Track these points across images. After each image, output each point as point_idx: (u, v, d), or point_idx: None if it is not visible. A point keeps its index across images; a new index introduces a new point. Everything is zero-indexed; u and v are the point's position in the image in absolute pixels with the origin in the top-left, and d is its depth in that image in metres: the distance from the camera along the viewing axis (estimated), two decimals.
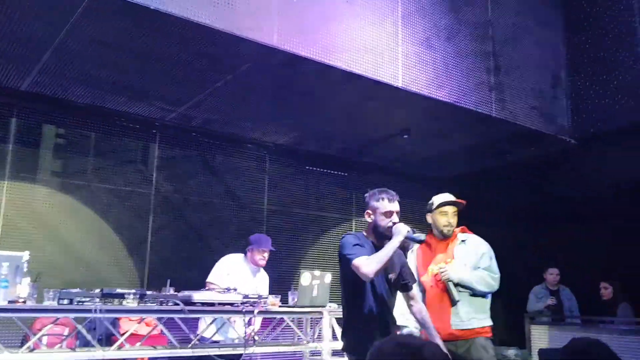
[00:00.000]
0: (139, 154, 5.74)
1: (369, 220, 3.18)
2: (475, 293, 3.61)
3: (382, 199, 3.11)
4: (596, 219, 6.57)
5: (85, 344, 3.89)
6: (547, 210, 6.91)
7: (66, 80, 4.74)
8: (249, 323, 4.25)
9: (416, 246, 3.91)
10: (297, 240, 6.57)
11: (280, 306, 4.52)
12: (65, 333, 4.41)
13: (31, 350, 3.46)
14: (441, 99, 5.12)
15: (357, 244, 3.03)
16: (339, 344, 4.86)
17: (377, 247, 3.05)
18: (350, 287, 3.10)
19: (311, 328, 5.15)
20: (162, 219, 5.72)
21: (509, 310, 6.98)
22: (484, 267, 3.66)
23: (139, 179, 5.66)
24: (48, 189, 5.21)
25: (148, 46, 4.12)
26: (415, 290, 3.29)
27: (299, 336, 5.03)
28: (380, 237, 3.10)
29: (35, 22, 3.78)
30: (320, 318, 4.85)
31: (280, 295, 4.61)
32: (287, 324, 4.78)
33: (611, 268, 6.47)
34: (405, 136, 6.10)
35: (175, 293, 4.03)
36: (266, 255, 5.04)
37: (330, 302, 4.83)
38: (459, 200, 3.83)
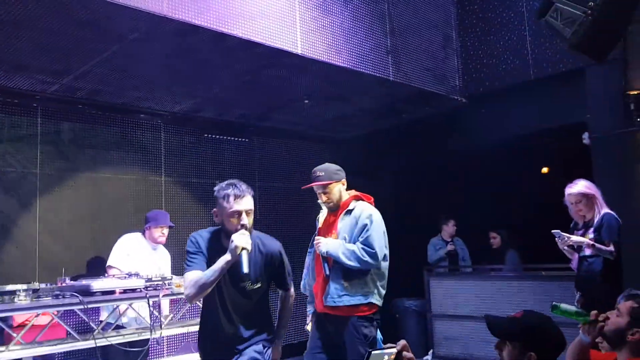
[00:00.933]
0: (19, 131, 5.22)
1: (216, 219, 2.77)
2: (349, 268, 3.44)
3: (228, 196, 2.66)
4: (485, 172, 6.97)
5: None
6: (441, 166, 7.22)
7: None
8: (157, 307, 4.13)
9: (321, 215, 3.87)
10: (198, 212, 6.40)
11: None
12: None
13: None
14: (340, 64, 5.09)
15: (192, 253, 2.71)
16: None
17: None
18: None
19: None
20: (50, 201, 5.31)
21: (409, 262, 7.33)
22: (361, 241, 3.46)
23: (21, 158, 5.19)
24: None
25: (22, 17, 3.69)
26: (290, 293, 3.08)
27: None
28: (228, 238, 2.67)
29: None
30: None
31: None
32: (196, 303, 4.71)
33: (499, 218, 6.95)
34: (306, 101, 6.05)
35: (72, 283, 3.80)
36: (165, 231, 4.89)
37: None
38: (316, 183, 3.58)
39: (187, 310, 4.59)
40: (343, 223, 3.58)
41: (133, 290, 3.81)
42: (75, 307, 3.64)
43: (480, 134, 6.65)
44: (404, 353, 1.71)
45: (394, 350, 1.70)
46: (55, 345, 3.65)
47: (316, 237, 3.65)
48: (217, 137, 6.81)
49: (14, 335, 3.56)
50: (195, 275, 2.63)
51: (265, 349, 2.90)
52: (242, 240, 2.58)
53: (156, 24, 3.95)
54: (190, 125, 6.50)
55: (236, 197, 2.65)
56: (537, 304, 5.07)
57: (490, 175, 6.89)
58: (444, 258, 6.88)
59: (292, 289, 3.11)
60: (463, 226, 7.10)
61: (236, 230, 2.63)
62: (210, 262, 2.68)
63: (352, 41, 5.22)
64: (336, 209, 3.66)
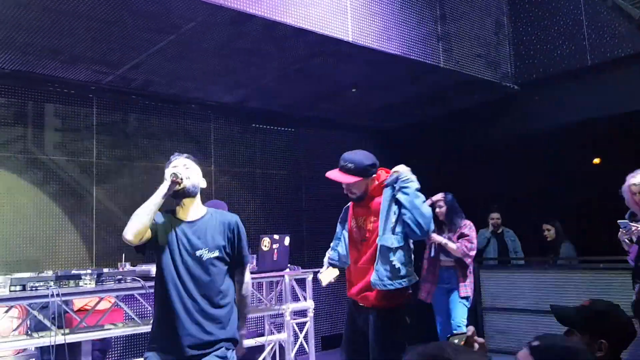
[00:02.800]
0: (76, 122, 5.37)
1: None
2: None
3: (170, 163, 2.83)
4: (537, 162, 6.80)
5: (38, 323, 3.73)
6: (491, 155, 7.07)
7: None
8: None
9: None
10: (246, 200, 6.47)
11: None
12: (16, 315, 4.20)
13: None
14: (391, 51, 5.04)
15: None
16: (301, 305, 4.93)
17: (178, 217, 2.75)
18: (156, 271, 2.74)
19: (270, 291, 5.16)
20: (107, 188, 5.45)
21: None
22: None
23: (79, 147, 5.33)
24: None
25: (80, 7, 3.78)
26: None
27: (259, 299, 5.03)
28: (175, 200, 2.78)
29: None
30: (280, 281, 4.86)
31: None
32: None
33: (552, 209, 6.77)
34: (354, 90, 6.01)
35: (133, 268, 3.89)
36: None
37: (289, 264, 4.84)
38: (332, 178, 3.25)
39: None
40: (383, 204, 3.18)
41: None
42: (136, 292, 3.73)
43: (533, 122, 6.48)
44: (475, 337, 1.72)
45: (464, 336, 1.71)
46: (119, 328, 3.74)
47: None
48: (264, 127, 6.85)
49: (78, 318, 3.67)
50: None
51: (229, 351, 2.68)
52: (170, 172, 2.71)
53: (211, 14, 3.99)
54: (238, 115, 6.56)
55: (171, 162, 2.83)
56: (595, 297, 4.93)
57: (542, 164, 6.73)
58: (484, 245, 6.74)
59: (249, 272, 2.90)
60: (514, 217, 6.95)
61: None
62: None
63: (402, 28, 5.16)
64: (361, 200, 3.28)
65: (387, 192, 3.18)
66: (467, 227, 5.07)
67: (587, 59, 5.71)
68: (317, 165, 7.21)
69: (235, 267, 2.80)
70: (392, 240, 3.08)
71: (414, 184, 3.12)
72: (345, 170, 3.19)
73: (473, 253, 4.99)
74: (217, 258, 2.69)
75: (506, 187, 7.14)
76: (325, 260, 3.53)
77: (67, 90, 5.28)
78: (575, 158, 6.89)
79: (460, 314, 4.93)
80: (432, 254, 5.09)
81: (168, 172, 2.66)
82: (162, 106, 5.92)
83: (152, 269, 3.72)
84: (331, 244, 3.56)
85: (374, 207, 3.22)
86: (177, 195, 2.69)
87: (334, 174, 3.24)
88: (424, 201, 3.12)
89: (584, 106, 6.01)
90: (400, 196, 3.09)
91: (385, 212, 3.15)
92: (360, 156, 3.21)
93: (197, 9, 3.88)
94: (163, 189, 2.63)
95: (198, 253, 2.65)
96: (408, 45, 5.17)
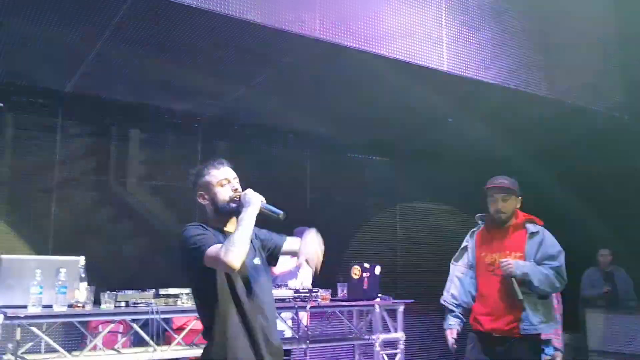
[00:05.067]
0: (182, 150, 5.73)
1: (204, 202, 2.44)
2: (539, 294, 3.36)
3: (209, 170, 2.42)
4: None
5: (140, 339, 3.96)
6: (599, 190, 6.67)
7: (109, 81, 4.76)
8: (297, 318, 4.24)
9: (472, 231, 3.76)
10: (341, 230, 6.51)
11: (331, 299, 4.50)
12: (120, 330, 4.51)
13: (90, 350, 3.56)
14: (488, 80, 4.95)
15: (199, 234, 2.30)
16: (391, 336, 4.86)
17: (227, 233, 2.35)
18: (210, 292, 2.29)
19: (360, 320, 5.13)
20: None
21: (562, 294, 6.81)
22: (552, 267, 3.35)
23: (184, 174, 5.66)
24: (95, 189, 5.27)
25: (189, 43, 4.08)
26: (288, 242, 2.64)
27: (349, 328, 5.02)
28: (225, 216, 2.41)
29: (77, 26, 3.77)
30: (371, 310, 4.83)
31: (330, 289, 4.59)
32: (337, 316, 4.77)
33: None
34: (450, 120, 5.94)
35: None
36: None
37: (380, 294, 4.80)
38: (500, 185, 3.48)
39: (328, 323, 4.67)
40: (530, 245, 3.44)
41: (282, 300, 3.95)
42: None
43: None
44: None
45: None
46: None
47: (504, 259, 3.41)
48: (360, 156, 6.92)
49: (175, 336, 3.86)
50: (221, 245, 2.20)
51: None
52: (255, 194, 2.36)
53: (308, 47, 4.14)
54: (334, 145, 6.67)
55: (217, 167, 2.43)
56: None
57: None
58: (599, 297, 6.29)
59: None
60: (626, 255, 6.45)
61: (231, 199, 2.38)
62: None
63: (500, 57, 5.05)
64: (504, 224, 3.52)
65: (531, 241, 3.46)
66: None
67: None
68: (413, 195, 7.16)
69: (276, 245, 2.65)
70: None
71: None
72: (502, 183, 3.50)
73: None
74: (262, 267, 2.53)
75: (617, 223, 6.67)
76: (450, 325, 3.66)
77: (174, 120, 5.66)
78: None
79: None
80: None
81: (256, 196, 2.35)
82: (262, 136, 6.18)
83: None
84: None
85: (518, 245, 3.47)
86: (236, 212, 2.38)
87: (495, 185, 3.51)
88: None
89: None
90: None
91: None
92: (509, 177, 3.57)
93: (294, 44, 4.05)
94: (254, 212, 2.32)
95: (254, 262, 2.46)
96: (506, 74, 5.05)
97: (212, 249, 2.20)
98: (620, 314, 5.90)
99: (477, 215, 3.75)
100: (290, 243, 2.59)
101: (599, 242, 6.52)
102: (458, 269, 3.72)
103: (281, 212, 2.37)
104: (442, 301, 3.75)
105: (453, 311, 3.64)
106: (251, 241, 2.39)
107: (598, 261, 6.46)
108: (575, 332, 6.20)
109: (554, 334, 3.87)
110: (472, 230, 3.76)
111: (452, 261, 3.80)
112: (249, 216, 2.28)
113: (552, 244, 3.45)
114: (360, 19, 4.24)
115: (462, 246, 3.76)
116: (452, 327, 3.61)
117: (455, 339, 3.59)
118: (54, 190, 5.07)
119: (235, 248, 2.16)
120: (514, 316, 3.35)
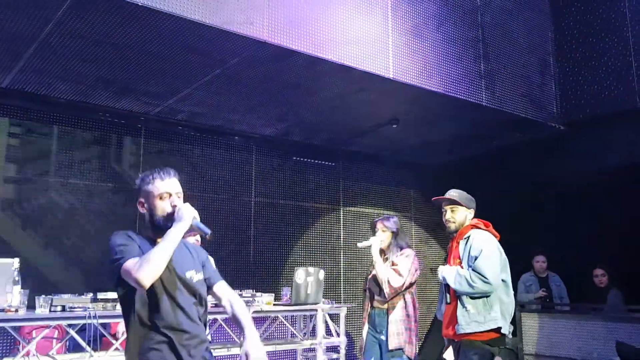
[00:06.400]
0: (123, 150, 5.57)
1: (142, 210, 2.39)
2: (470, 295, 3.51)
3: (153, 179, 2.36)
4: (584, 204, 6.60)
5: (76, 345, 3.82)
6: (535, 197, 6.92)
7: (49, 77, 4.57)
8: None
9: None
10: (285, 233, 6.50)
11: (274, 304, 4.48)
12: (55, 335, 4.33)
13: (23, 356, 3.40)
14: (431, 88, 5.06)
15: (122, 244, 2.23)
16: (333, 340, 4.88)
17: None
18: (135, 304, 2.23)
19: (304, 325, 5.13)
20: None
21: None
22: (473, 267, 3.51)
23: (124, 175, 5.52)
24: (33, 189, 5.05)
25: (134, 41, 3.97)
26: (220, 285, 2.52)
27: (292, 333, 5.01)
28: (159, 230, 2.31)
29: (18, 19, 3.61)
30: (313, 315, 4.83)
31: (273, 294, 4.57)
32: (280, 321, 4.75)
33: (600, 254, 6.53)
34: (394, 125, 6.03)
35: None
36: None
37: (324, 298, 4.81)
38: (440, 197, 3.82)
39: (273, 330, 4.65)
40: (461, 250, 3.66)
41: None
42: None
43: (579, 163, 6.33)
44: None
45: None
46: None
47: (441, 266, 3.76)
48: (305, 160, 6.92)
49: (113, 341, 3.74)
50: (137, 260, 2.15)
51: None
52: (190, 208, 2.32)
53: (256, 49, 4.11)
54: (280, 148, 6.66)
55: (162, 178, 2.37)
56: None
57: (590, 206, 6.51)
58: (533, 302, 6.51)
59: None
60: (559, 260, 6.72)
61: (168, 215, 2.32)
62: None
63: (443, 65, 5.18)
64: (453, 233, 3.76)
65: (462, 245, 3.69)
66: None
67: (636, 101, 5.57)
68: (357, 200, 7.23)
69: (211, 282, 2.54)
70: None
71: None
72: (451, 195, 3.76)
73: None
74: (201, 283, 2.48)
75: (552, 230, 6.94)
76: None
77: (117, 120, 5.50)
78: (625, 201, 6.66)
79: None
80: None
81: (188, 213, 2.29)
82: (206, 137, 6.08)
83: None
84: None
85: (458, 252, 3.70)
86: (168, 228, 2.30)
87: (443, 197, 3.79)
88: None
89: (634, 148, 5.84)
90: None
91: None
92: (462, 191, 3.84)
93: (242, 45, 4.01)
94: (183, 229, 2.26)
95: (188, 276, 2.38)
96: (450, 83, 5.18)
97: (129, 263, 2.15)
98: (553, 317, 6.11)
99: None
100: (221, 288, 2.50)
101: (536, 249, 6.75)
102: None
103: (209, 232, 2.34)
104: (437, 314, 3.99)
105: None
106: (191, 253, 2.42)
107: (533, 267, 6.69)
108: (512, 336, 6.39)
109: (405, 342, 4.01)
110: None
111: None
112: (176, 231, 2.23)
113: (476, 245, 3.56)
114: (308, 23, 4.25)
115: None
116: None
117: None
118: None
119: (149, 266, 2.10)
120: (452, 320, 3.56)
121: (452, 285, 3.52)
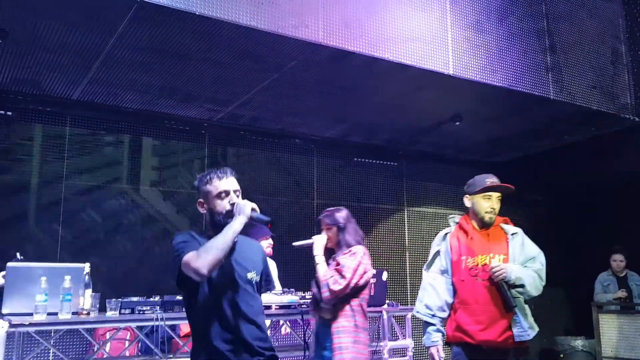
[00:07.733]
0: (190, 155, 5.75)
1: (203, 211, 2.45)
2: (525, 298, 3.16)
3: (211, 179, 2.39)
4: None
5: (148, 347, 3.95)
6: (611, 193, 6.58)
7: (115, 88, 4.78)
8: (307, 324, 4.21)
9: (445, 233, 3.47)
10: None
11: None
12: (127, 337, 4.50)
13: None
14: (495, 83, 4.91)
15: (183, 241, 2.29)
16: (399, 343, 4.81)
17: None
18: (194, 300, 2.31)
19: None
20: None
21: (575, 299, 6.71)
22: (534, 269, 3.16)
23: (191, 180, 5.68)
24: (102, 196, 5.28)
25: (192, 50, 4.08)
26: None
27: None
28: (220, 228, 2.30)
29: (84, 33, 3.79)
30: (378, 317, 4.78)
31: None
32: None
33: None
34: (457, 123, 5.89)
35: None
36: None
37: (387, 300, 4.76)
38: (506, 185, 3.28)
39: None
40: (513, 247, 3.23)
41: (287, 307, 3.92)
42: None
43: None
44: None
45: None
46: None
47: (495, 263, 3.16)
48: (366, 160, 6.88)
49: (181, 343, 3.85)
50: (195, 252, 2.19)
51: None
52: (247, 204, 2.33)
53: (312, 52, 4.13)
54: (341, 150, 6.65)
55: (219, 177, 2.40)
56: None
57: None
58: (612, 303, 6.17)
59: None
60: (638, 259, 6.35)
61: (227, 213, 2.34)
62: None
63: (507, 59, 5.01)
64: (490, 225, 3.29)
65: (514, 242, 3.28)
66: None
67: None
68: (420, 200, 7.11)
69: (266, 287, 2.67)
70: None
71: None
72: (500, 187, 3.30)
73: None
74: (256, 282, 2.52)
75: (630, 227, 6.57)
76: (434, 341, 3.32)
77: (181, 127, 5.67)
78: None
79: None
80: None
81: (247, 206, 2.32)
82: (267, 141, 6.17)
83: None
84: None
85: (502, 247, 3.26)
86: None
87: (503, 185, 3.30)
88: None
89: None
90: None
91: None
92: None
93: (297, 48, 4.04)
94: (242, 221, 2.30)
95: (248, 275, 2.42)
96: (514, 77, 5.01)
97: (188, 255, 2.19)
98: (633, 317, 5.79)
99: (450, 216, 3.53)
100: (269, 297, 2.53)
101: (613, 247, 6.40)
102: (431, 276, 3.39)
103: (269, 219, 2.38)
104: (414, 312, 3.44)
105: (432, 324, 3.28)
106: (247, 254, 2.44)
107: (611, 266, 6.36)
108: (589, 337, 6.11)
109: (353, 358, 3.28)
110: (445, 232, 3.48)
111: (424, 268, 3.49)
112: (236, 223, 2.27)
113: (532, 245, 3.27)
114: (363, 23, 4.22)
115: (433, 251, 3.45)
116: (436, 344, 3.26)
117: (442, 357, 3.27)
118: (63, 197, 5.09)
119: (207, 254, 2.14)
120: (505, 323, 3.11)
121: (528, 287, 3.10)
